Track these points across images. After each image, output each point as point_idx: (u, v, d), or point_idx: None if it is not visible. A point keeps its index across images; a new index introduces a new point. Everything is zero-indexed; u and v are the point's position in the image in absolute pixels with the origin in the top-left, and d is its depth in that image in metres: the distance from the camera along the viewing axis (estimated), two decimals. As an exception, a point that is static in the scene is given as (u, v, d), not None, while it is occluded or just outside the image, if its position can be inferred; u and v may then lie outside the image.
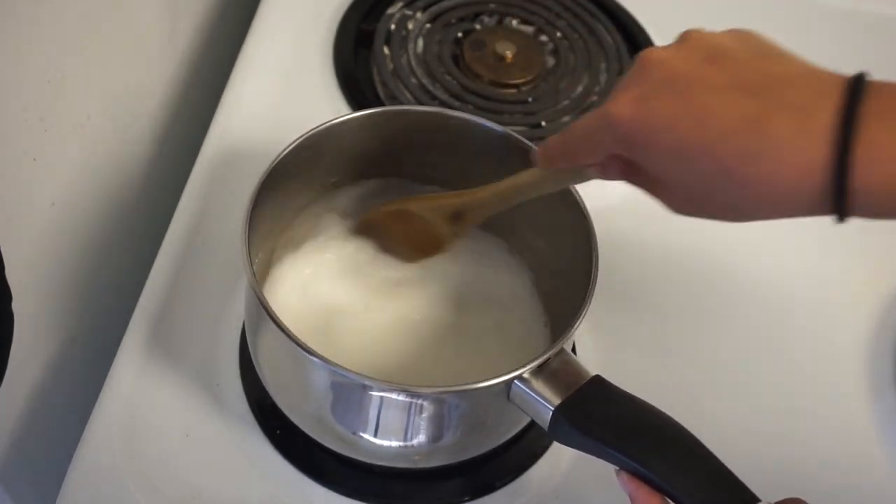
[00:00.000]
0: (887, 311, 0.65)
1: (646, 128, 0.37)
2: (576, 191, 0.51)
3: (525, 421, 0.49)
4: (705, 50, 0.38)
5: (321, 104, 0.71)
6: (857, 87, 0.34)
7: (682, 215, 0.40)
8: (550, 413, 0.43)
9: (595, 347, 0.61)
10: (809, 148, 0.33)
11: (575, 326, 0.45)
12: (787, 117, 0.34)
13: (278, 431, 0.54)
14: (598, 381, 0.44)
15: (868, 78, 0.35)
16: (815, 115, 0.34)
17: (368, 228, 0.58)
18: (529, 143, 0.52)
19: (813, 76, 0.36)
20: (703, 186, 0.37)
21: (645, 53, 0.39)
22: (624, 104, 0.38)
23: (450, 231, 0.55)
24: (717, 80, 0.36)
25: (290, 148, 0.50)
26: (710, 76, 0.36)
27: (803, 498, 0.40)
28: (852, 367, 0.63)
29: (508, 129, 0.53)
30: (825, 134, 0.33)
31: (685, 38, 0.39)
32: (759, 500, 0.38)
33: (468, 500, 0.54)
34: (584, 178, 0.46)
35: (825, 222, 0.75)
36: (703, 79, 0.36)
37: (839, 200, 0.34)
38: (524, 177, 0.49)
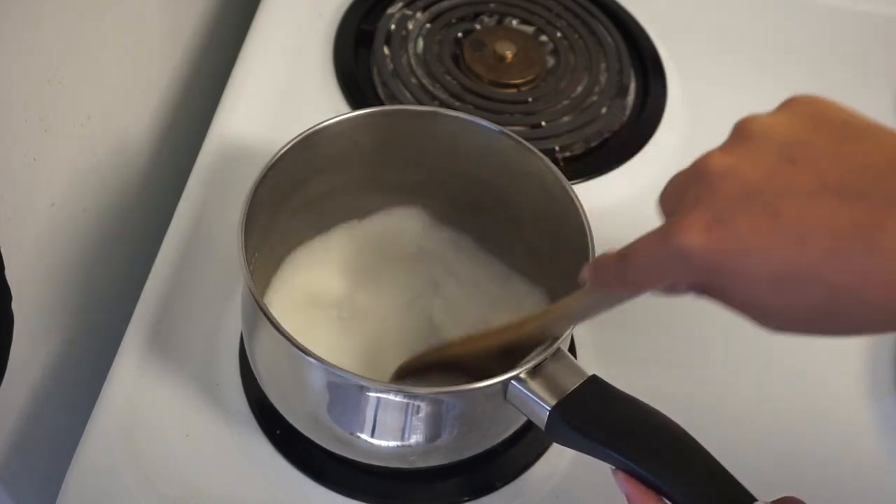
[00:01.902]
0: (887, 311, 0.65)
1: (729, 257, 0.31)
2: (572, 191, 0.50)
3: (522, 421, 0.49)
4: (778, 148, 0.31)
5: (321, 104, 0.71)
6: None
7: (782, 334, 0.33)
8: (547, 413, 0.43)
9: (595, 347, 0.61)
10: None
11: (571, 327, 0.45)
12: None
13: (278, 432, 0.54)
14: (594, 380, 0.44)
15: None
16: None
17: (408, 374, 0.53)
18: (526, 143, 0.52)
19: None
20: (807, 313, 0.31)
21: (703, 161, 0.33)
22: (695, 232, 0.31)
23: (498, 367, 0.46)
24: (807, 185, 0.30)
25: (287, 148, 0.50)
26: (796, 181, 0.30)
27: (802, 498, 0.40)
28: (852, 367, 0.62)
29: (505, 129, 0.53)
30: None
31: (745, 134, 0.33)
32: (755, 500, 0.38)
33: (468, 500, 0.54)
34: (640, 294, 0.39)
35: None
36: (789, 186, 0.30)
37: None
38: (572, 300, 0.43)
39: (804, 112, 0.32)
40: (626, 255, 0.36)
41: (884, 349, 0.63)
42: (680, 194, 0.34)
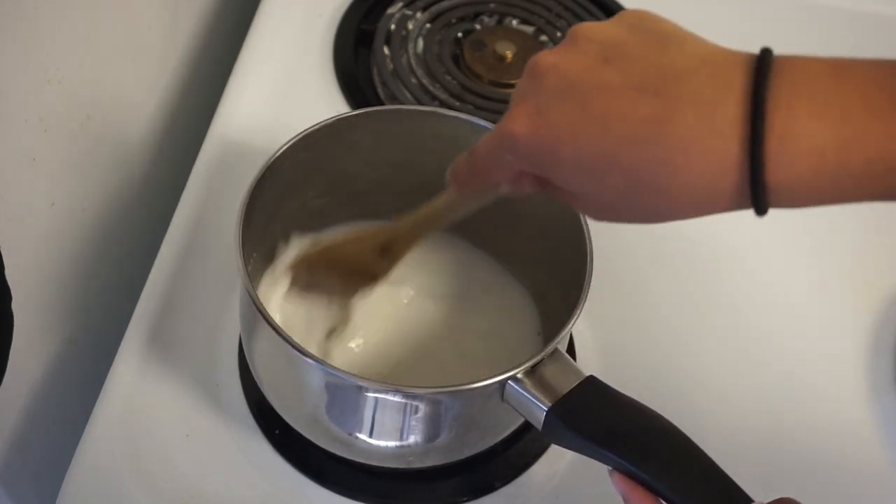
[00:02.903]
0: (887, 311, 0.65)
1: (546, 143, 0.35)
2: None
3: (520, 421, 0.49)
4: (597, 48, 0.35)
5: (321, 104, 0.71)
6: (762, 69, 0.31)
7: (599, 221, 0.38)
8: (544, 413, 0.43)
9: (594, 348, 0.61)
10: (719, 147, 0.31)
11: (568, 327, 0.45)
12: (690, 115, 0.32)
13: (277, 432, 0.54)
14: (591, 381, 0.44)
15: (774, 55, 0.32)
16: (720, 108, 0.31)
17: (299, 275, 0.56)
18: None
19: (714, 63, 0.33)
20: (614, 196, 0.35)
21: (534, 60, 0.37)
22: (520, 120, 0.36)
23: (381, 265, 0.53)
24: (615, 81, 0.33)
25: (285, 148, 0.50)
26: (607, 78, 0.34)
27: (800, 498, 0.40)
28: (852, 367, 0.62)
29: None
30: (733, 128, 0.31)
31: (574, 36, 0.36)
32: (751, 501, 0.38)
33: (467, 500, 0.54)
34: (497, 195, 0.43)
35: (826, 222, 0.75)
36: (600, 82, 0.34)
37: (757, 197, 0.31)
38: (440, 201, 0.47)
39: (628, 20, 0.35)
40: (473, 150, 0.41)
41: (884, 349, 0.63)
42: (513, 96, 0.37)
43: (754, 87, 0.31)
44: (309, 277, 0.55)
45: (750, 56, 0.32)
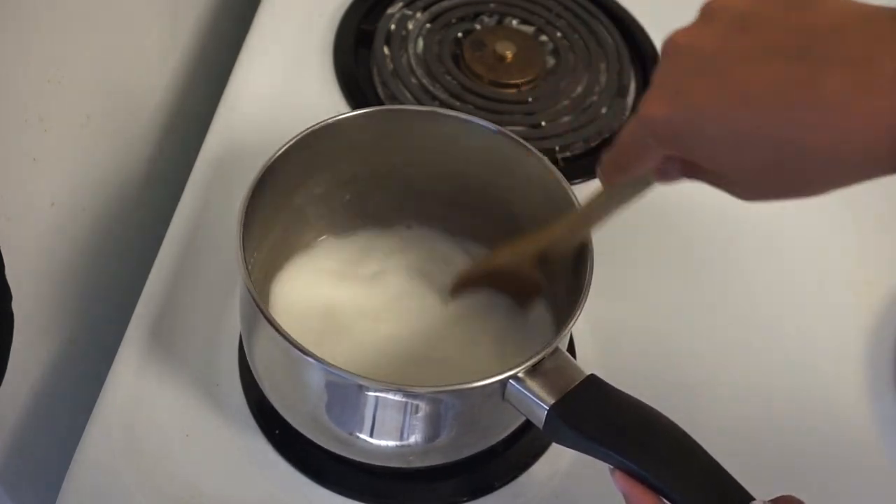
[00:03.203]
0: (887, 311, 0.65)
1: (688, 123, 0.34)
2: (572, 191, 0.50)
3: (520, 420, 0.49)
4: (731, 19, 0.34)
5: (321, 104, 0.71)
6: None
7: (754, 201, 0.36)
8: (545, 412, 0.43)
9: (594, 347, 0.61)
10: (875, 104, 0.30)
11: (569, 326, 0.45)
12: (841, 74, 0.30)
13: (277, 432, 0.54)
14: (592, 380, 0.44)
15: None
16: (873, 65, 0.30)
17: (462, 289, 0.57)
18: (525, 143, 0.52)
19: (861, 19, 0.31)
20: (764, 169, 0.33)
21: (669, 39, 0.36)
22: (657, 104, 0.35)
23: (541, 274, 0.52)
24: (754, 49, 0.32)
25: (285, 148, 0.50)
26: (744, 46, 0.33)
27: (801, 497, 0.40)
28: (852, 367, 0.62)
29: (504, 129, 0.53)
30: (889, 85, 0.29)
31: (706, 10, 0.35)
32: (753, 499, 0.38)
33: (467, 500, 0.54)
34: (648, 185, 0.44)
35: (826, 222, 0.75)
36: (737, 51, 0.33)
37: None
38: (592, 202, 0.47)
39: None
40: (615, 143, 0.41)
41: (884, 349, 0.63)
42: (652, 80, 0.37)
43: None
44: (467, 296, 0.56)
45: (894, 10, 0.31)
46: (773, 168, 0.33)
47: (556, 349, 0.44)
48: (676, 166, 0.38)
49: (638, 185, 0.44)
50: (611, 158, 0.42)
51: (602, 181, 0.44)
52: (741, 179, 0.35)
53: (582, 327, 0.61)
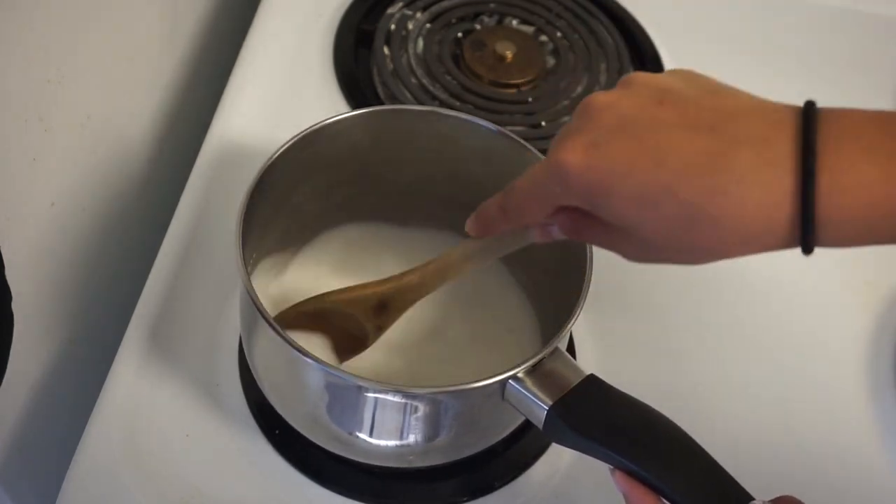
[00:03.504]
0: (887, 311, 0.65)
1: (600, 174, 0.35)
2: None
3: (520, 420, 0.49)
4: (652, 92, 0.36)
5: (321, 104, 0.71)
6: (809, 115, 0.33)
7: (639, 262, 0.39)
8: (545, 412, 0.43)
9: (594, 347, 0.61)
10: (773, 179, 0.33)
11: (568, 326, 0.45)
12: (746, 150, 0.33)
13: (277, 432, 0.54)
14: (592, 380, 0.44)
15: (818, 106, 0.34)
16: (773, 145, 0.33)
17: (286, 320, 0.52)
18: (523, 142, 0.52)
19: (763, 108, 0.35)
20: (665, 230, 0.35)
21: (588, 100, 0.38)
22: (575, 153, 0.36)
23: (373, 325, 0.51)
24: (670, 120, 0.35)
25: (284, 148, 0.50)
26: (662, 116, 0.35)
27: (800, 497, 0.40)
28: (852, 367, 0.62)
29: (503, 128, 0.53)
30: (787, 163, 0.32)
31: (628, 82, 0.38)
32: (752, 499, 0.38)
33: (467, 500, 0.54)
34: (522, 243, 0.44)
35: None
36: (655, 119, 0.35)
37: (806, 231, 0.33)
38: (454, 254, 0.47)
39: (680, 74, 0.37)
40: (510, 188, 0.41)
41: (884, 349, 0.63)
42: (563, 131, 0.38)
43: (803, 126, 0.33)
44: (298, 323, 0.52)
45: (796, 106, 0.34)
46: (674, 228, 0.35)
47: (556, 349, 0.45)
48: (567, 221, 0.40)
49: (511, 242, 0.44)
50: (499, 206, 0.42)
51: (477, 230, 0.44)
52: (635, 239, 0.37)
53: (581, 328, 0.61)
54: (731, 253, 0.35)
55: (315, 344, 0.51)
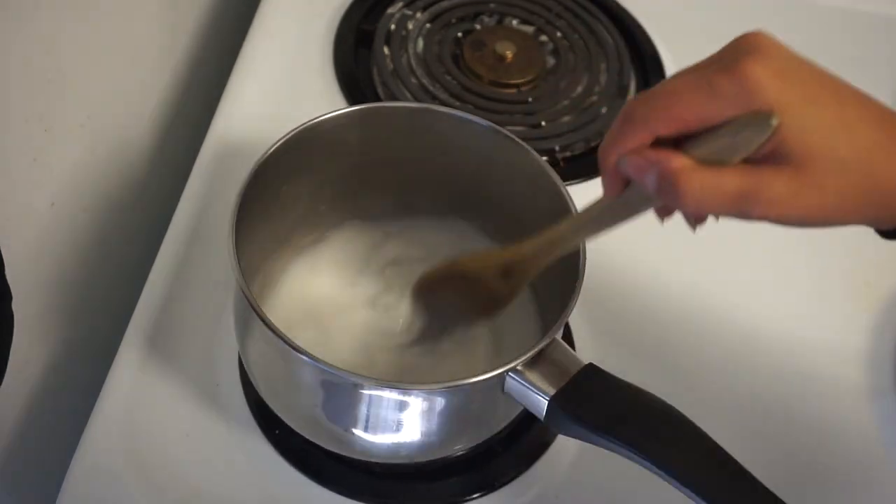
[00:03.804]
0: (887, 311, 0.65)
1: (797, 97, 0.33)
2: (565, 189, 0.50)
3: (518, 410, 0.49)
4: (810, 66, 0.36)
5: (321, 104, 0.71)
6: None
7: (790, 216, 0.37)
8: (545, 403, 0.43)
9: (592, 338, 0.61)
10: None
11: (564, 317, 0.45)
12: None
13: (277, 431, 0.54)
14: (591, 368, 0.44)
15: None
16: None
17: (422, 295, 0.53)
18: (519, 140, 0.52)
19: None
20: (846, 166, 0.34)
21: (752, 36, 0.35)
22: (766, 70, 0.33)
23: (503, 289, 0.50)
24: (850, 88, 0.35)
25: (278, 145, 0.50)
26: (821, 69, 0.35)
27: (801, 497, 0.40)
28: (852, 367, 0.62)
29: (497, 126, 0.53)
30: None
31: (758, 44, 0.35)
32: (756, 481, 0.39)
33: (468, 500, 0.54)
34: (637, 210, 0.39)
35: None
36: (820, 69, 0.35)
37: None
38: (570, 222, 0.45)
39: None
40: (662, 91, 0.36)
41: (884, 349, 0.63)
42: (707, 63, 0.35)
43: None
44: (430, 298, 0.53)
45: None
46: (864, 162, 0.34)
47: (554, 340, 0.44)
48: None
49: (622, 210, 0.40)
50: (647, 101, 0.36)
51: (604, 163, 0.38)
52: (829, 172, 0.34)
53: (578, 318, 0.61)
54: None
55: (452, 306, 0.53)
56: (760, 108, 0.33)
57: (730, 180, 0.35)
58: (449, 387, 0.44)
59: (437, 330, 0.54)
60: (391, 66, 0.74)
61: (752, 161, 0.35)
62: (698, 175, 0.35)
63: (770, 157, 0.34)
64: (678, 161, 0.35)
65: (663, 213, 0.41)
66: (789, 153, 0.34)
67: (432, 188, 0.58)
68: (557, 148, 0.70)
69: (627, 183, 0.38)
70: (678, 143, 0.36)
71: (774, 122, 0.33)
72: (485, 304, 0.51)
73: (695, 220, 0.40)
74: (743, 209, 0.36)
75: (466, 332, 0.55)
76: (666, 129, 0.35)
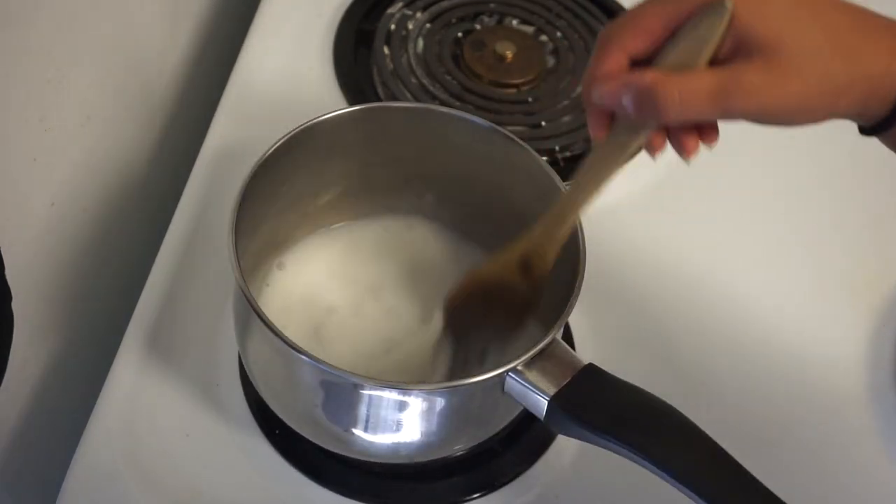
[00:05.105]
0: (887, 311, 0.65)
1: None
2: (561, 184, 0.50)
3: (518, 409, 0.49)
4: None
5: (321, 104, 0.71)
6: None
7: (801, 113, 0.36)
8: (545, 403, 0.43)
9: (592, 338, 0.61)
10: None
11: (564, 317, 0.45)
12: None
13: (277, 432, 0.54)
14: (591, 369, 0.44)
15: None
16: None
17: (454, 321, 0.52)
18: (518, 140, 0.52)
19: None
20: (841, 42, 0.35)
21: None
22: None
23: (526, 286, 0.48)
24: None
25: (277, 145, 0.50)
26: None
27: (802, 497, 0.40)
28: (852, 367, 0.62)
29: (496, 125, 0.53)
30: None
31: None
32: (755, 480, 0.39)
33: (468, 500, 0.54)
34: (632, 143, 0.39)
35: (826, 221, 0.74)
36: None
37: None
38: (569, 190, 0.44)
39: None
40: (627, 12, 0.38)
41: (884, 349, 0.63)
42: None
43: None
44: (462, 321, 0.52)
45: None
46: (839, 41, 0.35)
47: (553, 340, 0.44)
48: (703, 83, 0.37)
49: (621, 141, 0.40)
50: (614, 23, 0.38)
51: (588, 93, 0.39)
52: (789, 59, 0.35)
53: (578, 319, 0.61)
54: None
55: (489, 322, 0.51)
56: None
57: (705, 78, 0.35)
58: (449, 387, 0.44)
59: (480, 353, 0.52)
60: (391, 66, 0.74)
61: (725, 61, 0.36)
62: (674, 81, 0.36)
63: (739, 52, 0.35)
64: (650, 74, 0.36)
65: (655, 145, 0.40)
66: (757, 43, 0.35)
67: (432, 188, 0.58)
68: (557, 148, 0.70)
69: (612, 119, 0.39)
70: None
71: (728, 3, 0.34)
72: (516, 310, 0.50)
73: (684, 146, 0.40)
74: (723, 105, 0.36)
75: (502, 349, 0.53)
76: (634, 42, 0.37)
